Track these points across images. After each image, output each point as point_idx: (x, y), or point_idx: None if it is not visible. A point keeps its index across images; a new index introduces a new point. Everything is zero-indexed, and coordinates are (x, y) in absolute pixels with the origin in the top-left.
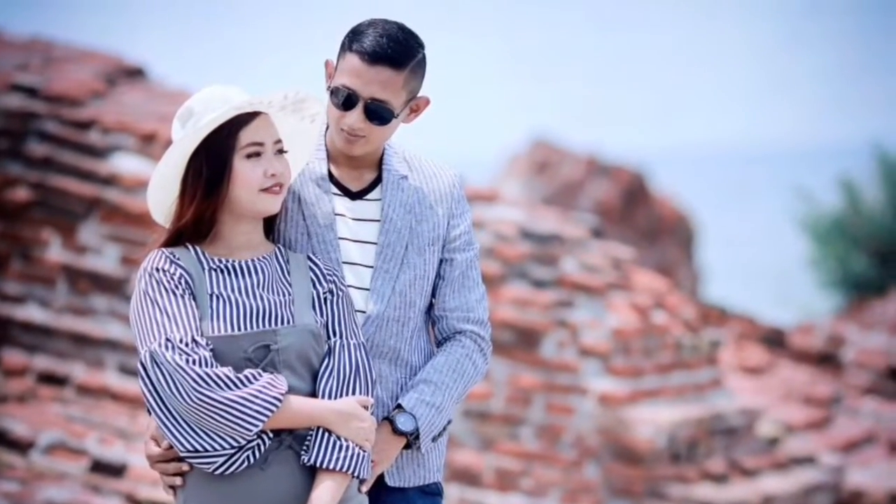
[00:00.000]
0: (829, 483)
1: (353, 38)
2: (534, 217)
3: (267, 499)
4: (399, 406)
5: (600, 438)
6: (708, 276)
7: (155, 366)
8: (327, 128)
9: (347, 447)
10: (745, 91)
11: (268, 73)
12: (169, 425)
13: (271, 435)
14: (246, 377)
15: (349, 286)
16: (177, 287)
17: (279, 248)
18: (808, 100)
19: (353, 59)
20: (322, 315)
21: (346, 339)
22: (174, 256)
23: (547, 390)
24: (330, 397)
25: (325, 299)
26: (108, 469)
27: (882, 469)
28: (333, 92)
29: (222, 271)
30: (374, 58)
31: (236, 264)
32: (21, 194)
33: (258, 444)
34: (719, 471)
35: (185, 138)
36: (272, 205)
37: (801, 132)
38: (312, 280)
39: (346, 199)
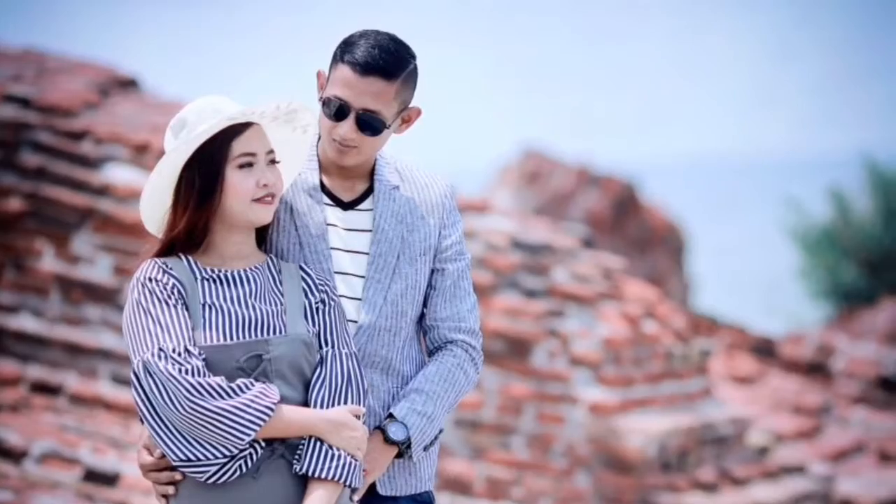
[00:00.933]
0: (819, 492)
1: (344, 49)
2: (525, 227)
3: None
4: (391, 415)
5: (591, 447)
6: (698, 285)
7: (148, 375)
8: (319, 138)
9: (339, 456)
10: (736, 102)
11: (260, 84)
12: (161, 434)
13: (263, 444)
14: (238, 387)
15: (341, 296)
16: (169, 297)
17: (271, 258)
18: (797, 110)
19: (344, 70)
20: (314, 325)
21: (338, 348)
22: (167, 266)
23: (538, 399)
24: (322, 406)
25: (317, 309)
26: (101, 478)
27: (871, 478)
28: (325, 103)
29: (215, 281)
30: (366, 69)
31: (229, 274)
32: (14, 204)
33: (250, 454)
34: (709, 480)
35: (178, 149)
36: (264, 215)
37: (792, 143)
38: (304, 290)
39: (338, 210)
